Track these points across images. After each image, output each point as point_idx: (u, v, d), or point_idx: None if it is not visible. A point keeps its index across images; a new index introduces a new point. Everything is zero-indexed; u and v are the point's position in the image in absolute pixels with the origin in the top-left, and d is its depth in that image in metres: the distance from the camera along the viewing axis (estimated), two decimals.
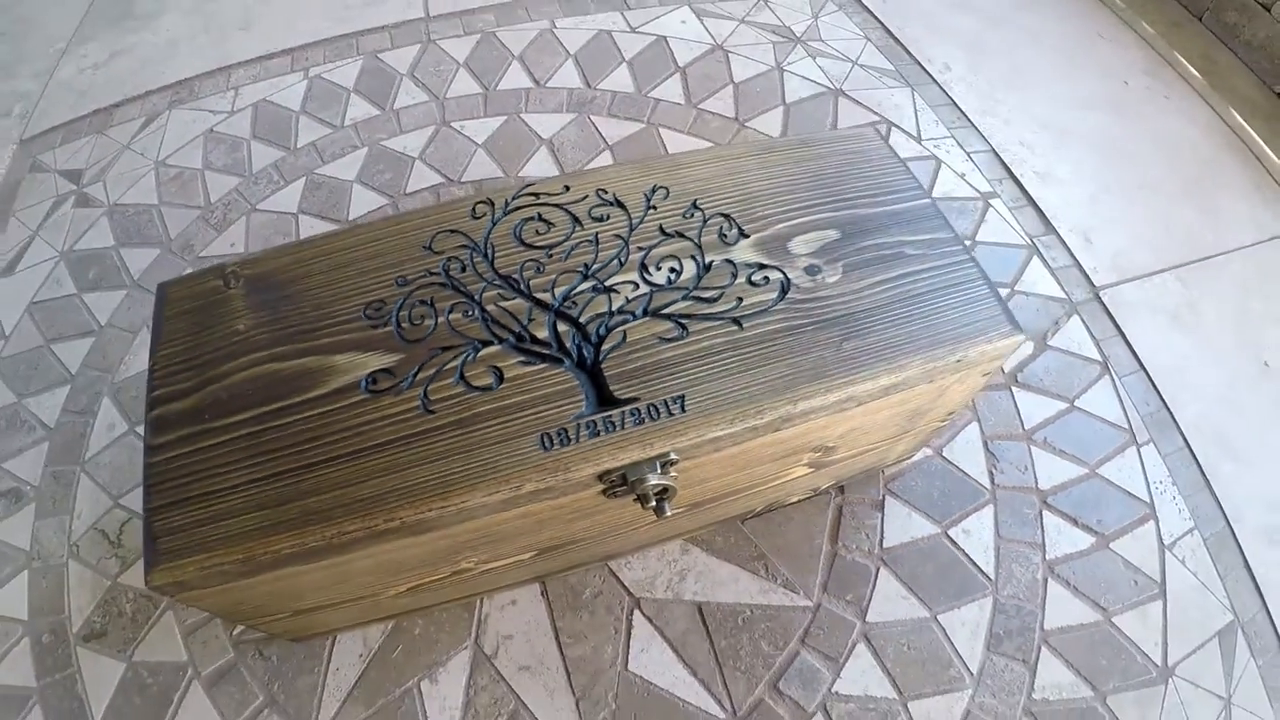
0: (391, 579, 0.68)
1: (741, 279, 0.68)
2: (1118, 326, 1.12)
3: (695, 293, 0.66)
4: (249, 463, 0.59)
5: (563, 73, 1.38)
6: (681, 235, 0.70)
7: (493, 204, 0.73)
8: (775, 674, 0.83)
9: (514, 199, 0.73)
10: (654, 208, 0.72)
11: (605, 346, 0.63)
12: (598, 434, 0.58)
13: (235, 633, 0.83)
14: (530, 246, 0.70)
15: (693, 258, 0.69)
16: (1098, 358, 1.09)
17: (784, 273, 0.68)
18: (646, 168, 0.76)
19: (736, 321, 0.65)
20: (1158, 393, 1.07)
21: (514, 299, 0.66)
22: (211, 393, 0.62)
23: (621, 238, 0.70)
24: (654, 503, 0.61)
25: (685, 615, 0.85)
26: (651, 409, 0.60)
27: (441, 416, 0.60)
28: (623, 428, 0.59)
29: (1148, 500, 0.97)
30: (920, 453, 0.97)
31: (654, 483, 0.59)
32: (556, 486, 0.58)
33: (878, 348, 0.65)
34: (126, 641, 0.83)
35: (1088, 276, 1.16)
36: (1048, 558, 0.92)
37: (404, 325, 0.65)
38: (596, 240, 0.70)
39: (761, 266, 0.69)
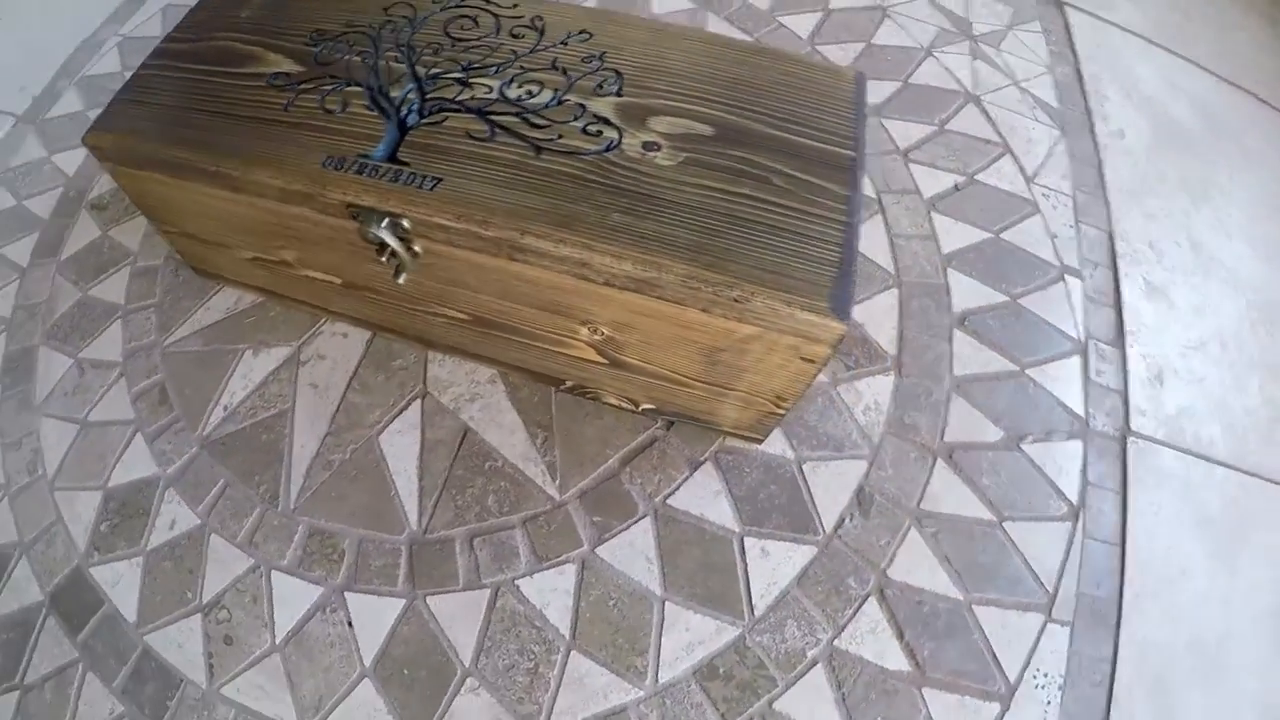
0: (235, 237, 0.86)
1: (579, 123, 0.70)
2: (1124, 484, 0.89)
3: (529, 115, 0.71)
4: (180, 93, 0.79)
5: None
6: (565, 73, 0.74)
7: None
8: (479, 530, 0.86)
9: None
10: (564, 44, 0.77)
11: (426, 121, 0.71)
12: (361, 173, 0.68)
13: (171, 248, 1.06)
14: (448, 35, 0.79)
15: (555, 90, 0.73)
16: (1073, 499, 0.88)
17: (620, 135, 0.69)
18: (594, 16, 0.80)
19: (537, 148, 0.68)
20: (1120, 584, 0.84)
21: (402, 64, 0.77)
22: (197, 46, 0.84)
23: (516, 54, 0.76)
24: (386, 259, 0.68)
25: (450, 430, 0.91)
26: (411, 176, 0.67)
27: (291, 117, 0.74)
28: (379, 178, 0.67)
29: (1012, 683, 0.79)
30: (778, 447, 0.90)
31: (375, 233, 0.66)
32: (315, 197, 0.69)
33: (647, 235, 0.64)
34: (111, 221, 1.11)
35: (1127, 413, 0.92)
36: (836, 645, 0.80)
37: (323, 52, 0.79)
38: (495, 49, 0.77)
39: (606, 122, 0.70)
